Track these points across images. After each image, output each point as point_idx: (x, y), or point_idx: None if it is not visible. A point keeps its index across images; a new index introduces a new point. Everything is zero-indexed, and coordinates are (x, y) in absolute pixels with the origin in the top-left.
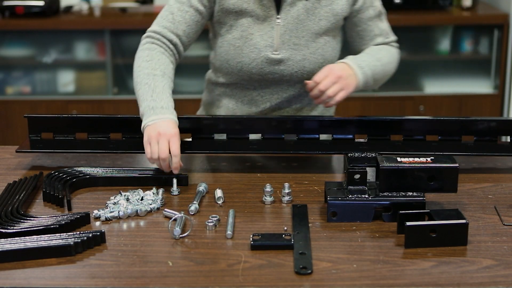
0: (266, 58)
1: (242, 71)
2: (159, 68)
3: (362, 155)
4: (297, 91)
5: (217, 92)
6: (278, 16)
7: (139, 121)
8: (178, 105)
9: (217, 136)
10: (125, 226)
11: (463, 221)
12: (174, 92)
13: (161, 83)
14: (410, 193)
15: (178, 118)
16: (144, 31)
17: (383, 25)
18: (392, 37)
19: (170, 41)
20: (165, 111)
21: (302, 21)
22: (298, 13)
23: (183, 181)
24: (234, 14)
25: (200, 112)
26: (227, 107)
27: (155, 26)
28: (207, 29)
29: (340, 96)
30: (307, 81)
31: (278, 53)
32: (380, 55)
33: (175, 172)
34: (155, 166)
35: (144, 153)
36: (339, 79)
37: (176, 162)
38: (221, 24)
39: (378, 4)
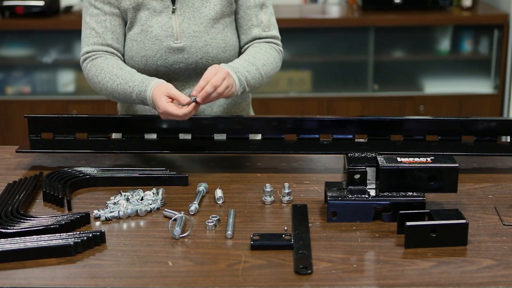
0: (168, 47)
1: (148, 65)
2: (113, 67)
3: (362, 155)
4: None
5: None
6: (174, 7)
7: (139, 121)
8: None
9: (217, 136)
10: (125, 226)
11: (463, 221)
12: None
13: (125, 72)
14: (410, 193)
15: None
16: None
17: (264, 17)
18: (273, 32)
19: (106, 52)
20: (146, 84)
21: (198, 9)
22: (193, 1)
23: (183, 181)
24: (132, 11)
25: None
26: (144, 108)
27: (84, 48)
28: None
29: (227, 94)
30: (194, 92)
31: (180, 42)
32: (255, 59)
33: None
34: (155, 166)
35: (142, 153)
36: (228, 75)
37: (188, 108)
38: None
39: None
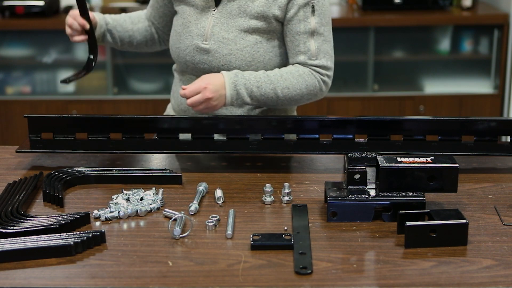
0: (196, 46)
1: (179, 57)
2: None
3: (362, 155)
4: None
5: (176, 80)
6: (215, 9)
7: (139, 121)
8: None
9: (217, 136)
10: (125, 226)
11: (463, 221)
12: None
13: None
14: (410, 193)
15: (180, 119)
16: None
17: (313, 45)
18: (320, 61)
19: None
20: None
21: (234, 17)
22: (231, 9)
23: (177, 180)
24: (179, 2)
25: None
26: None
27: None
28: None
29: (202, 112)
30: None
31: (207, 43)
32: (279, 79)
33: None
34: (155, 166)
35: (142, 153)
36: (207, 100)
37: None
38: (174, 13)
39: (313, 22)
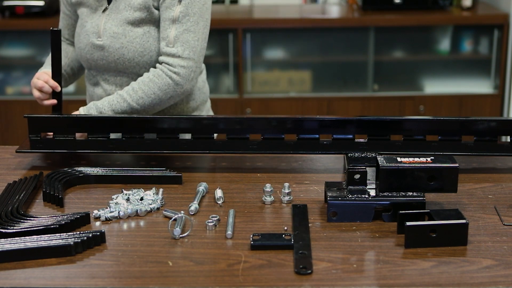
0: (92, 44)
1: (82, 57)
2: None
3: (362, 155)
4: (135, 79)
5: (86, 79)
6: (107, 6)
7: (139, 121)
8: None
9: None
10: (125, 226)
11: (463, 221)
12: None
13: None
14: (410, 193)
15: (180, 119)
16: None
17: (172, 32)
18: (176, 50)
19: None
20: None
21: (121, 11)
22: (119, 4)
23: (177, 180)
24: (77, 6)
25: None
26: (98, 94)
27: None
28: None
29: None
30: None
31: (101, 40)
32: (131, 93)
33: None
34: (155, 166)
35: (142, 153)
36: None
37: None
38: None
39: (178, 11)
